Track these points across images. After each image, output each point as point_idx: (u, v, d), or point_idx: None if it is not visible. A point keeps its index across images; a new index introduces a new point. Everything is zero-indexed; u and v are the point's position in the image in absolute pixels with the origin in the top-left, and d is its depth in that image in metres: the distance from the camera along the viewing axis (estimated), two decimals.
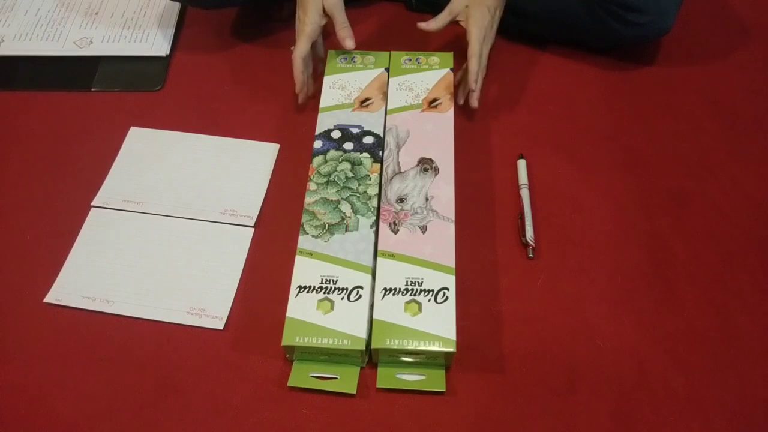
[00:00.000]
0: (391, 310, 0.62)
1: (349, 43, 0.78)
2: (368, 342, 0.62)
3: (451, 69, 0.81)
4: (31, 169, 0.80)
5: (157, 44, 0.92)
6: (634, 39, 0.85)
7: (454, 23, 0.81)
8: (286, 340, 0.61)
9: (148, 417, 0.61)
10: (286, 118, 0.84)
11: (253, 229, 0.74)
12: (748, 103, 0.86)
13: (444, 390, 0.62)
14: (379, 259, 0.65)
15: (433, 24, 0.80)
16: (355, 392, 0.62)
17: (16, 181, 0.79)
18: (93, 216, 0.75)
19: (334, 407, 0.62)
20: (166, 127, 0.84)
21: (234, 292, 0.69)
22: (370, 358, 0.63)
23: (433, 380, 0.62)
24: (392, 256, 0.65)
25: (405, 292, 0.63)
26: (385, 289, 0.63)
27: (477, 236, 0.73)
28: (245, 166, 0.80)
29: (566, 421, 0.61)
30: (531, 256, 0.71)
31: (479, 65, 0.77)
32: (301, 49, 0.77)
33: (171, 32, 0.94)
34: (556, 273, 0.71)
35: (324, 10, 0.77)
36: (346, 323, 0.62)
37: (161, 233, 0.74)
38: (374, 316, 0.62)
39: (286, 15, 0.96)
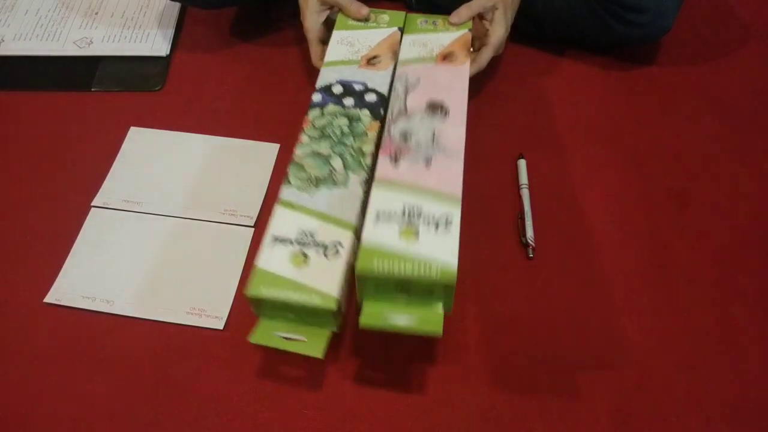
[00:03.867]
0: (384, 236, 0.56)
1: (364, 11, 0.76)
2: (340, 303, 0.56)
3: (469, 30, 0.76)
4: (31, 169, 0.80)
5: (157, 44, 0.92)
6: (634, 39, 0.85)
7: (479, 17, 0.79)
8: (252, 291, 0.55)
9: (148, 417, 0.61)
10: (286, 118, 0.84)
11: (253, 229, 0.74)
12: (748, 103, 0.86)
13: (440, 332, 0.55)
14: (374, 186, 0.60)
15: (465, 13, 0.76)
16: (322, 356, 0.56)
17: (16, 181, 0.79)
18: (93, 216, 0.75)
19: (334, 407, 0.62)
20: (166, 127, 0.84)
21: (234, 292, 0.69)
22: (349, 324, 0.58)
23: (429, 320, 0.56)
24: (390, 184, 0.59)
25: (402, 216, 0.57)
26: (378, 214, 0.57)
27: (477, 236, 0.72)
28: (245, 166, 0.80)
29: (566, 421, 0.61)
30: (531, 256, 0.71)
31: (476, 71, 0.78)
32: (316, 52, 0.78)
33: (171, 32, 0.94)
34: (556, 273, 0.71)
35: (320, 4, 0.76)
36: (320, 279, 0.55)
37: (161, 233, 0.74)
38: (362, 243, 0.56)
39: (286, 15, 0.96)
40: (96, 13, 0.97)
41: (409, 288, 0.55)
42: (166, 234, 0.74)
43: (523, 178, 0.77)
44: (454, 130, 0.64)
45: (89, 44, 0.93)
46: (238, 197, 0.77)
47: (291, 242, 0.58)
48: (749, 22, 0.96)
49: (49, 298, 0.69)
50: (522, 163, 0.78)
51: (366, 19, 0.76)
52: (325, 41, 0.79)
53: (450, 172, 0.60)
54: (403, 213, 0.57)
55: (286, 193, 0.61)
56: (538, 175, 0.78)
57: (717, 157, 0.81)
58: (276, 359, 0.65)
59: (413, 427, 0.61)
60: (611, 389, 0.63)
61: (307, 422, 0.61)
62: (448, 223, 0.57)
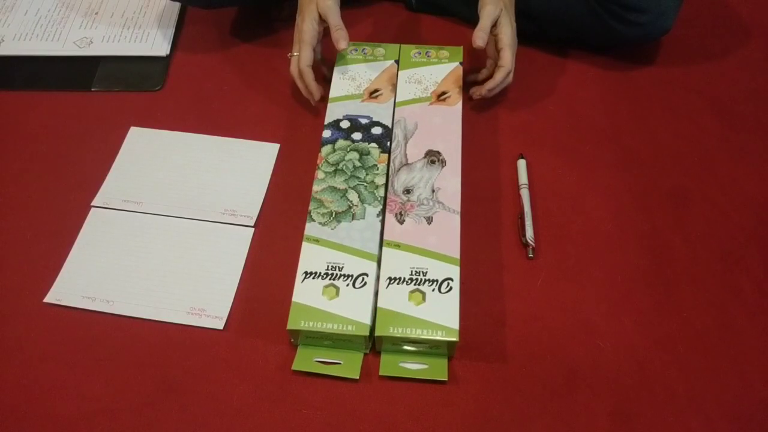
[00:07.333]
0: (395, 299, 0.63)
1: (342, 44, 0.77)
2: (372, 329, 0.62)
3: (460, 63, 0.81)
4: (31, 169, 0.80)
5: (157, 44, 0.92)
6: (634, 39, 0.85)
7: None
8: (292, 324, 0.61)
9: (148, 417, 0.61)
10: (286, 118, 0.84)
11: (253, 229, 0.74)
12: (748, 103, 0.86)
13: (446, 379, 0.62)
14: (384, 248, 0.66)
15: (483, 34, 0.76)
16: (358, 377, 0.63)
17: (16, 181, 0.79)
18: (93, 216, 0.75)
19: (334, 407, 0.62)
20: (166, 127, 0.84)
21: (234, 292, 0.69)
22: (374, 345, 0.64)
23: (436, 369, 0.63)
24: (397, 245, 0.66)
25: (409, 281, 0.63)
26: (389, 278, 0.64)
27: (477, 236, 0.73)
28: (245, 166, 0.80)
29: (566, 421, 0.61)
30: (531, 256, 0.71)
31: (504, 79, 0.78)
32: (305, 57, 0.77)
33: (171, 32, 0.94)
34: (556, 273, 0.71)
35: (320, 16, 0.77)
36: (351, 309, 0.62)
37: (161, 233, 0.74)
38: (379, 305, 0.63)
39: (286, 15, 0.96)
40: (96, 13, 0.97)
41: (417, 343, 0.62)
42: (166, 234, 0.74)
43: (523, 178, 0.77)
44: (452, 182, 0.70)
45: (89, 44, 0.93)
46: (238, 197, 0.77)
47: (321, 276, 0.64)
48: (749, 22, 0.96)
49: (49, 298, 0.69)
50: (522, 163, 0.78)
51: (344, 50, 0.78)
52: (315, 49, 0.79)
53: (449, 229, 0.66)
54: (411, 275, 0.64)
55: (310, 229, 0.67)
56: (538, 175, 0.78)
57: (716, 157, 0.81)
58: (275, 360, 0.65)
59: (413, 427, 0.61)
60: (611, 389, 0.63)
61: (307, 422, 0.61)
62: (449, 287, 0.63)
